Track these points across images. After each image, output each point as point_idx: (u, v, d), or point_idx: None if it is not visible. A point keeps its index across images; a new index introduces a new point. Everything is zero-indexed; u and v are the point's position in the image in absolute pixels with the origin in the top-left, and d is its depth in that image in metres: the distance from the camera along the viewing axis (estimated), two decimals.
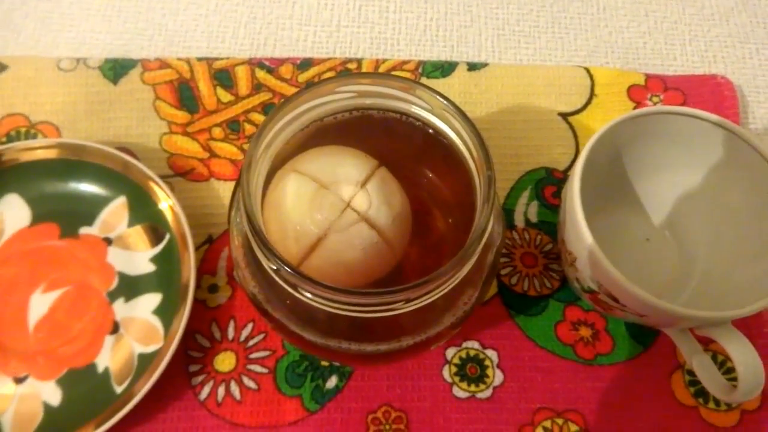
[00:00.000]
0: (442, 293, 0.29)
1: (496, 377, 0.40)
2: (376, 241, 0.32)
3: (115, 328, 0.40)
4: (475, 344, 0.41)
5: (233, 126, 0.47)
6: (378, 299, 0.28)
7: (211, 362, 0.40)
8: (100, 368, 0.39)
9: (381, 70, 0.49)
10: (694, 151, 0.40)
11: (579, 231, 0.35)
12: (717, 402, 0.40)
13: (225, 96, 0.47)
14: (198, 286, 0.41)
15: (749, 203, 0.39)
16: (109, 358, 0.39)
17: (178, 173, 0.45)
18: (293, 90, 0.48)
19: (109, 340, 0.40)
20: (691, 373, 0.40)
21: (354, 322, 0.30)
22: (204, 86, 0.48)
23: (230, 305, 0.41)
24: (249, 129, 0.47)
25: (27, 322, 0.40)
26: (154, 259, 0.42)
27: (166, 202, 0.42)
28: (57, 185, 0.43)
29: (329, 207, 0.32)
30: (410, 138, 0.36)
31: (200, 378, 0.40)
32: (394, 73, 0.49)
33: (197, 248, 0.42)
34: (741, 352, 0.33)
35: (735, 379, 0.34)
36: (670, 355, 0.41)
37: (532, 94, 0.49)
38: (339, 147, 0.35)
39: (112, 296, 0.41)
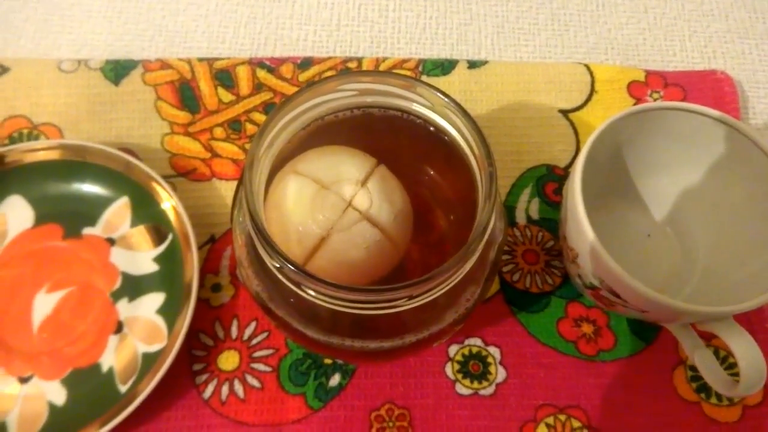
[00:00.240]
0: (444, 290, 0.29)
1: (499, 374, 0.40)
2: (379, 239, 0.32)
3: (119, 328, 0.40)
4: (478, 341, 0.41)
5: (235, 126, 0.47)
6: (381, 296, 0.28)
7: (214, 361, 0.40)
8: (105, 368, 0.39)
9: (381, 68, 0.49)
10: (694, 147, 0.40)
11: (580, 227, 0.35)
12: (719, 397, 0.40)
13: (226, 96, 0.48)
14: (201, 286, 0.42)
15: (750, 198, 0.39)
16: (113, 357, 0.39)
17: (180, 173, 0.45)
18: (294, 89, 0.48)
19: (113, 339, 0.40)
20: (693, 368, 0.40)
21: (357, 319, 0.30)
22: (205, 86, 0.48)
23: (233, 304, 0.42)
24: (250, 128, 0.47)
25: (31, 322, 0.40)
26: (157, 259, 0.42)
27: (168, 202, 0.42)
28: (60, 186, 0.43)
29: (331, 207, 0.32)
30: (411, 135, 0.36)
31: (204, 377, 0.40)
32: (394, 71, 0.49)
33: (200, 248, 0.43)
34: (743, 347, 0.33)
35: (737, 374, 0.34)
36: (672, 350, 0.41)
37: (533, 91, 0.49)
38: (337, 147, 0.35)
39: (116, 296, 0.41)
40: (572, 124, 0.48)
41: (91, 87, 0.47)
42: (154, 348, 0.39)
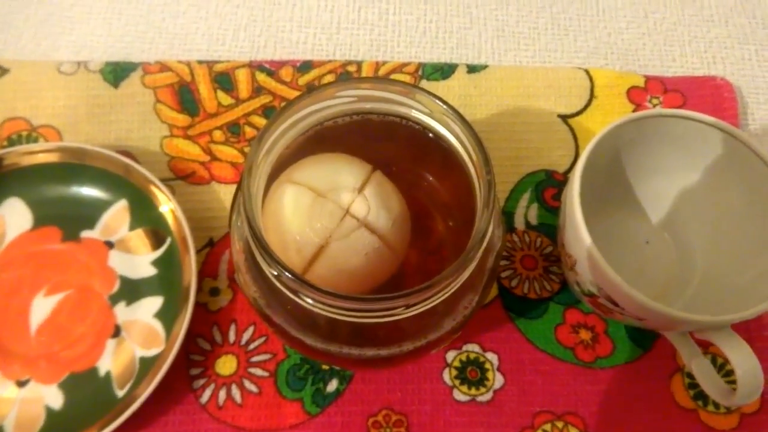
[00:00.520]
0: (442, 298, 0.29)
1: (497, 380, 0.40)
2: (378, 245, 0.32)
3: (117, 332, 0.40)
4: (476, 347, 0.41)
5: (234, 129, 0.47)
6: (378, 305, 0.28)
7: (212, 366, 0.40)
8: (102, 372, 0.39)
9: (381, 72, 0.49)
10: (693, 154, 0.40)
11: (579, 234, 0.35)
12: (717, 405, 0.40)
13: (225, 99, 0.47)
14: (199, 290, 0.41)
15: (748, 205, 0.39)
16: (111, 361, 0.39)
17: (179, 176, 0.45)
18: (293, 92, 0.48)
19: (110, 343, 0.40)
20: (690, 376, 0.40)
21: (355, 327, 0.30)
22: (204, 89, 0.48)
23: (231, 308, 0.42)
24: (249, 132, 0.47)
25: (29, 325, 0.40)
26: (156, 263, 0.42)
27: (167, 206, 0.42)
28: (58, 189, 0.43)
29: (328, 215, 0.32)
30: (410, 142, 0.36)
31: (201, 381, 0.40)
32: (394, 75, 0.49)
33: (198, 251, 0.43)
34: (740, 356, 0.33)
35: (734, 381, 0.34)
36: (670, 358, 0.41)
37: (532, 96, 0.49)
38: (332, 154, 0.35)
39: (114, 300, 0.41)
40: (571, 129, 0.48)
41: (90, 89, 0.47)
42: (152, 352, 0.39)
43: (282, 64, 0.49)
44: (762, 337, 0.41)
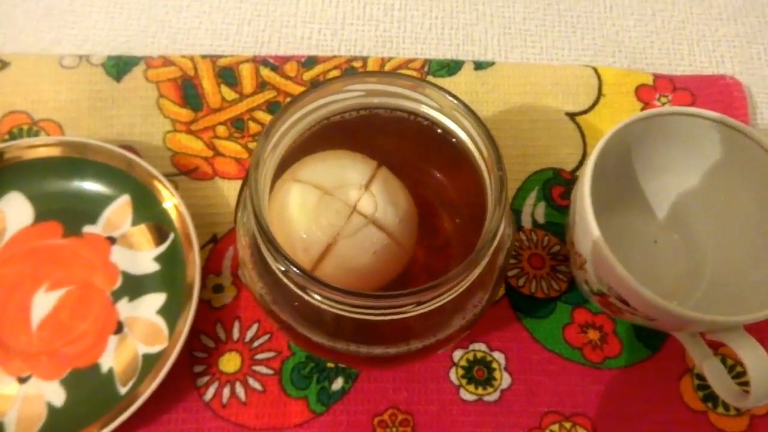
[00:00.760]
0: (452, 296, 0.29)
1: (504, 380, 0.40)
2: (387, 242, 0.31)
3: (119, 328, 0.40)
4: (483, 347, 0.41)
5: (238, 124, 0.46)
6: (388, 302, 0.27)
7: (216, 363, 0.40)
8: (104, 368, 0.39)
9: (386, 68, 0.49)
10: (703, 152, 0.40)
11: (589, 233, 0.34)
12: (726, 406, 0.40)
13: (229, 94, 0.47)
14: (203, 286, 0.41)
15: (758, 204, 0.39)
16: (113, 358, 0.39)
17: (182, 172, 0.45)
18: (298, 88, 0.47)
19: (113, 340, 0.39)
20: (700, 377, 0.40)
21: (363, 324, 0.30)
22: (208, 84, 0.47)
23: (235, 305, 0.41)
24: (253, 127, 0.46)
25: (30, 321, 0.40)
26: (159, 259, 0.41)
27: (170, 201, 0.41)
28: (60, 183, 0.42)
29: (335, 213, 0.32)
30: (418, 137, 0.36)
31: (205, 379, 0.39)
32: (400, 71, 0.49)
33: (202, 247, 0.42)
34: (754, 358, 0.33)
35: (745, 383, 0.34)
36: (679, 358, 0.41)
37: (539, 94, 0.48)
38: (335, 151, 0.35)
39: (116, 296, 0.40)
40: (579, 127, 0.47)
41: (92, 83, 0.47)
42: (155, 349, 0.39)
43: (286, 59, 0.48)
44: None
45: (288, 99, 0.47)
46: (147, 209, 0.42)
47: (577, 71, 0.49)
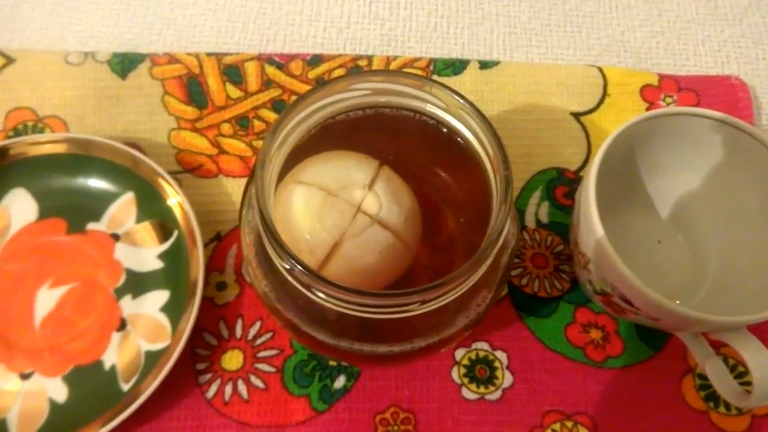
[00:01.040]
0: (457, 295, 0.29)
1: (506, 379, 0.40)
2: (392, 241, 0.31)
3: (122, 325, 0.40)
4: (485, 345, 0.41)
5: (242, 122, 0.46)
6: (393, 301, 0.27)
7: (218, 360, 0.40)
8: (107, 365, 0.39)
9: (392, 67, 0.49)
10: (707, 153, 0.40)
11: (593, 233, 0.34)
12: (728, 406, 0.39)
13: (234, 92, 0.47)
14: (206, 284, 0.41)
15: (763, 205, 0.39)
16: (116, 355, 0.39)
17: (187, 169, 0.45)
18: (303, 86, 0.47)
19: (116, 337, 0.39)
20: (702, 376, 0.40)
21: (367, 323, 0.30)
22: (213, 82, 0.47)
23: (238, 303, 0.41)
24: (258, 125, 0.46)
25: (33, 317, 0.40)
26: (162, 256, 0.41)
27: (174, 199, 0.41)
28: (64, 180, 0.42)
29: (340, 213, 0.32)
30: (423, 136, 0.36)
31: (207, 376, 0.39)
32: (405, 70, 0.49)
33: (205, 245, 0.42)
34: (756, 358, 0.33)
35: (747, 382, 0.34)
36: (681, 358, 0.41)
37: (544, 93, 0.48)
38: (337, 152, 0.35)
39: (120, 293, 0.40)
40: (584, 127, 0.47)
41: (97, 80, 0.47)
42: (158, 346, 0.39)
43: (292, 57, 0.49)
44: None
45: (293, 97, 0.47)
46: (151, 206, 0.42)
47: (582, 71, 0.49)
